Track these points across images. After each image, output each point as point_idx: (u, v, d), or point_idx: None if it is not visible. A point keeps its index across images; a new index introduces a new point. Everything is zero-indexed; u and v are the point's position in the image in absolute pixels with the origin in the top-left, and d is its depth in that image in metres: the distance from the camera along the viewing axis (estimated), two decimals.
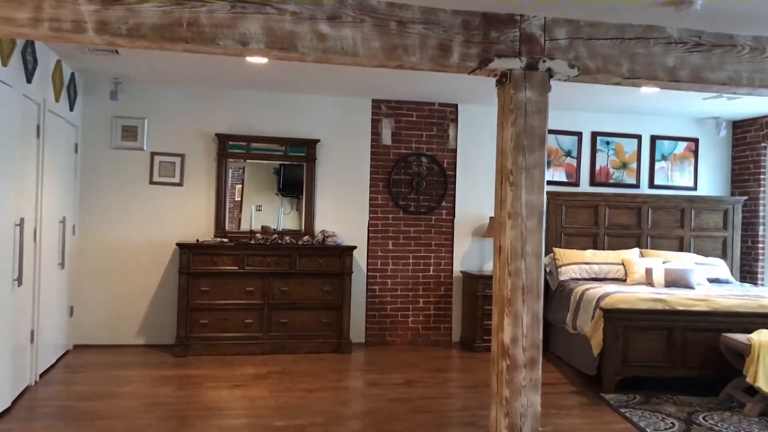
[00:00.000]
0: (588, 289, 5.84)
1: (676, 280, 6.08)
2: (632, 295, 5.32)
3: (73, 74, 5.80)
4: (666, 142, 7.43)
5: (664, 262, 6.45)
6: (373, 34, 3.60)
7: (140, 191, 6.40)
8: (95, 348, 6.18)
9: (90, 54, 5.21)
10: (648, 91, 6.03)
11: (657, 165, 7.42)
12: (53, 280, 5.43)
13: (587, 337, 5.37)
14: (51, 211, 5.29)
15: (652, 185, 7.40)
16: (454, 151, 7.01)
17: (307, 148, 6.68)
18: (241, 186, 6.74)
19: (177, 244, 6.04)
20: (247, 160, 6.65)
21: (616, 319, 5.11)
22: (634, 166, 7.37)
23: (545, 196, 3.81)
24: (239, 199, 6.71)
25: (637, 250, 6.84)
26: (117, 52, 5.18)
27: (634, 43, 3.91)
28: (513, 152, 3.80)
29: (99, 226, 6.31)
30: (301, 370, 5.61)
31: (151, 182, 6.42)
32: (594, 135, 7.28)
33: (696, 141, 7.48)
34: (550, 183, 7.18)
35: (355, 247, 6.39)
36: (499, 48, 3.74)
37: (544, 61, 3.80)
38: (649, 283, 6.18)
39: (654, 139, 7.41)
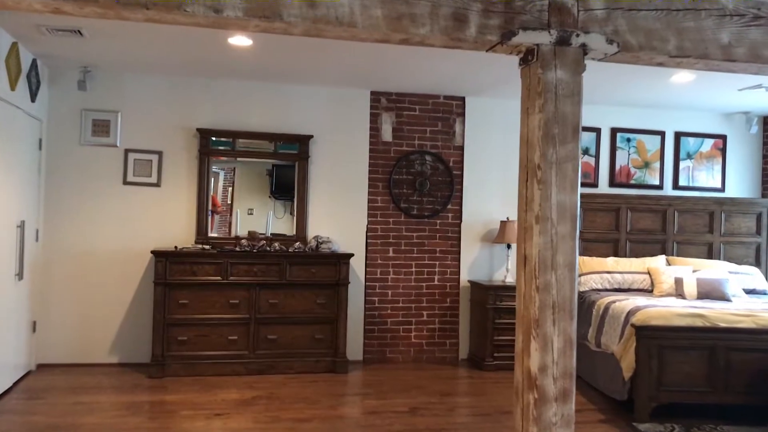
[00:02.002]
0: (613, 301, 5.20)
1: (710, 292, 5.45)
2: (666, 310, 4.69)
3: (34, 61, 5.16)
4: (691, 140, 6.80)
5: (694, 271, 5.83)
6: (374, 1, 2.97)
7: (113, 192, 5.75)
8: (61, 368, 5.52)
9: (50, 35, 4.57)
10: (679, 79, 5.40)
11: (681, 164, 6.79)
12: (9, 292, 4.79)
13: (615, 356, 4.73)
14: (6, 214, 4.65)
15: (676, 186, 6.77)
16: (461, 148, 6.37)
17: (300, 144, 6.04)
18: (231, 188, 6.11)
19: (152, 252, 5.39)
20: (237, 158, 6.02)
21: (650, 337, 4.48)
22: (657, 165, 6.73)
23: (579, 197, 3.18)
24: (230, 202, 6.08)
25: (663, 257, 6.21)
26: (81, 33, 4.54)
27: (683, 15, 3.28)
28: (541, 143, 3.16)
29: (66, 231, 5.65)
30: (291, 394, 4.97)
31: (125, 182, 5.77)
32: (613, 131, 6.66)
33: (724, 138, 6.86)
34: None
35: (352, 255, 5.74)
36: (524, 19, 3.10)
37: (577, 36, 3.15)
38: (680, 294, 5.55)
39: (678, 135, 6.78)
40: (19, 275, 4.96)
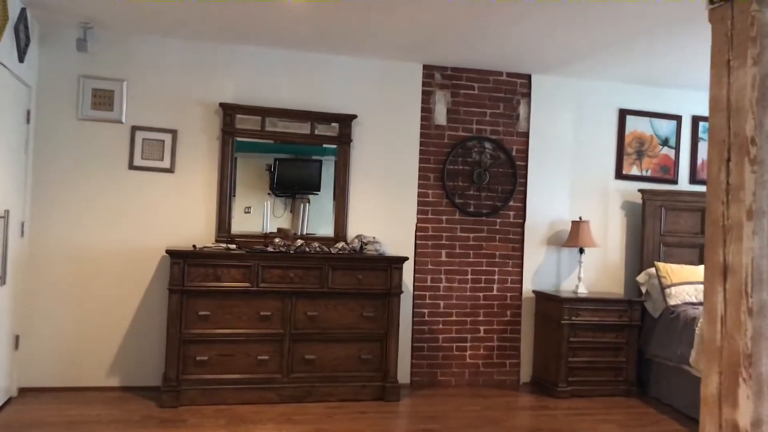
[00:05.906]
0: None
1: None
2: None
3: (23, 11, 4.13)
4: None
5: None
6: None
7: (116, 178, 4.73)
8: (50, 393, 4.48)
9: None
10: None
11: None
12: None
13: None
14: None
15: None
16: (526, 134, 5.46)
17: (341, 126, 5.08)
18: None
19: (167, 251, 4.38)
20: (265, 140, 5.00)
21: None
22: None
23: None
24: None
25: None
26: None
27: None
28: (755, 108, 2.21)
29: (59, 225, 4.62)
30: (338, 430, 3.99)
31: (132, 167, 4.76)
32: (695, 120, 5.78)
33: None
34: (642, 179, 5.68)
35: (406, 258, 4.78)
36: None
37: None
38: None
39: None
40: (1, 279, 3.93)
